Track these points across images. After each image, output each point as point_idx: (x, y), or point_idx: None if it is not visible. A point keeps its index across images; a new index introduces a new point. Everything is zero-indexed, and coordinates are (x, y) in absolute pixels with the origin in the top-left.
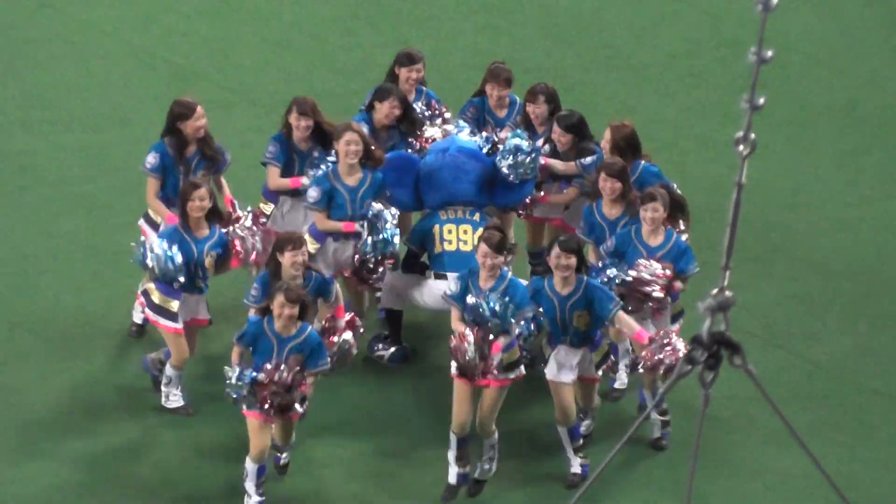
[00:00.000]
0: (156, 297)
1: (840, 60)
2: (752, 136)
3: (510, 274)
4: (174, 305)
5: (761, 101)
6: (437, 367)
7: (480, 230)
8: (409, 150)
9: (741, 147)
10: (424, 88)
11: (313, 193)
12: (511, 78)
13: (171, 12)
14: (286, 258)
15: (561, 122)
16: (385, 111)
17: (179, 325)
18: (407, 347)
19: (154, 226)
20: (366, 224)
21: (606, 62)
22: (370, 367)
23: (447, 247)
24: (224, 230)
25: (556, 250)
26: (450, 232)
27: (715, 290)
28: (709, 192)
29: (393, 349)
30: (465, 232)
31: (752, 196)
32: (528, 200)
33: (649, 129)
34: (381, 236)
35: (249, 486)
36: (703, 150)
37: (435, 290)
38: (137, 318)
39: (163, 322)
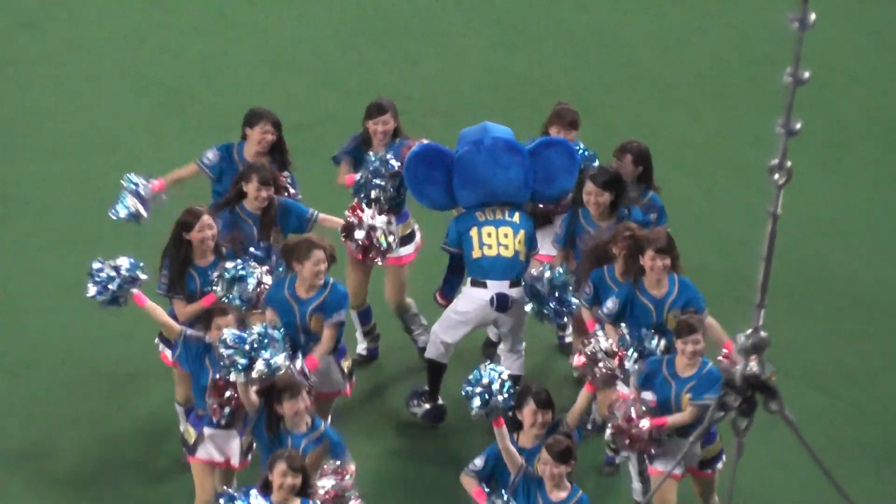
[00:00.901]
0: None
1: (881, 79)
2: (788, 163)
3: (580, 492)
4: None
5: (798, 126)
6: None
7: (521, 233)
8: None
9: (776, 176)
10: (401, 140)
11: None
12: (577, 121)
13: (163, 29)
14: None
15: (597, 178)
16: (256, 137)
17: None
18: (443, 406)
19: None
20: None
21: (629, 81)
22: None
23: (487, 252)
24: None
25: (650, 252)
26: (489, 236)
27: (749, 331)
28: (740, 221)
29: (428, 406)
30: (506, 236)
31: (786, 225)
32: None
33: (675, 153)
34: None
35: None
36: (733, 175)
37: (473, 297)
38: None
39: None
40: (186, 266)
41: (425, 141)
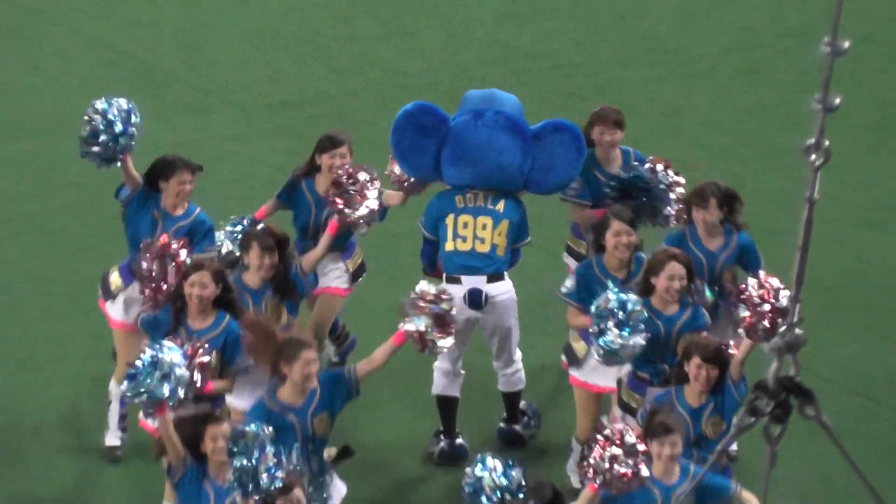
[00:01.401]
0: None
1: None
2: (826, 143)
3: None
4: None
5: (836, 101)
6: None
7: (503, 224)
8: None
9: (813, 157)
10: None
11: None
12: (622, 120)
13: None
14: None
15: (623, 215)
16: (173, 190)
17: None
18: (463, 446)
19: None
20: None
21: (649, 56)
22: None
23: (460, 245)
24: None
25: (696, 360)
26: (465, 226)
27: (783, 328)
28: (771, 209)
29: (443, 444)
30: (484, 227)
31: (823, 213)
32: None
33: (700, 134)
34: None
35: None
36: (764, 159)
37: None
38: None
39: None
40: (179, 324)
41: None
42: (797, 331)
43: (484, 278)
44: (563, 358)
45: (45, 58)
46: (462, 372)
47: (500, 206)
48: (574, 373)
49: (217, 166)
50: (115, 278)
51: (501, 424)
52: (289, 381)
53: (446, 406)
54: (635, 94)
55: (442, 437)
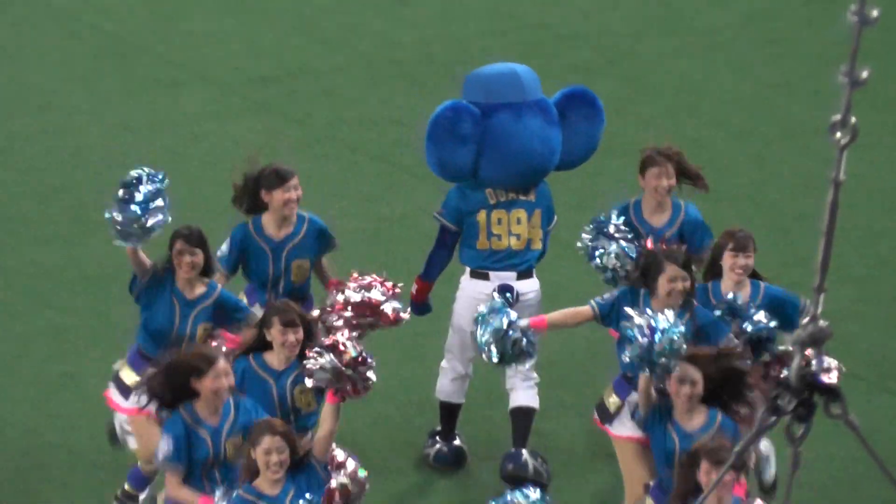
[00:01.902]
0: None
1: None
2: (853, 119)
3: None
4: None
5: (864, 74)
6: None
7: (536, 213)
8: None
9: (838, 134)
10: (307, 216)
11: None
12: (685, 164)
13: None
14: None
15: (677, 258)
16: (183, 271)
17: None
18: (461, 448)
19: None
20: None
21: (663, 26)
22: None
23: (495, 244)
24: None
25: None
26: (499, 222)
27: (806, 319)
28: (797, 192)
29: (439, 446)
30: (518, 221)
31: (852, 197)
32: None
33: (720, 112)
34: None
35: None
36: (788, 139)
37: (473, 292)
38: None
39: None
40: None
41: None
42: (821, 323)
43: (514, 274)
44: (595, 416)
45: (4, 30)
46: (471, 374)
47: (532, 195)
48: (613, 429)
49: (191, 147)
50: (127, 374)
51: (512, 452)
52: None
53: (450, 412)
54: (648, 69)
55: (438, 438)
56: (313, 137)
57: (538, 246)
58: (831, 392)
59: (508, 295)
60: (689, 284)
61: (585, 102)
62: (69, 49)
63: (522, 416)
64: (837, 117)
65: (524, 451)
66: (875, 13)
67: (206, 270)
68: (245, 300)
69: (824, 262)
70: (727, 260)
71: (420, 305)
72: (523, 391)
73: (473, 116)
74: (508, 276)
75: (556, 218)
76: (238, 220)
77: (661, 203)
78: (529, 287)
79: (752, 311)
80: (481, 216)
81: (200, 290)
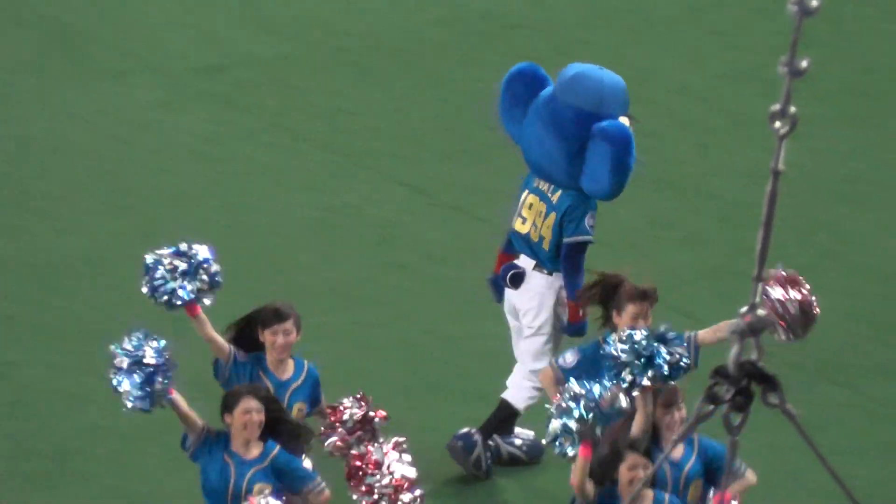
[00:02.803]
0: None
1: None
2: (793, 109)
3: None
4: None
5: (803, 64)
6: None
7: (552, 216)
8: None
9: (777, 124)
10: (307, 364)
11: None
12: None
13: None
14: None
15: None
16: (238, 423)
17: None
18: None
19: None
20: None
21: (613, 16)
22: None
23: (519, 227)
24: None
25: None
26: (530, 207)
27: (745, 308)
28: (742, 182)
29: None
30: (541, 214)
31: (795, 186)
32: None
33: (669, 101)
34: None
35: None
36: (735, 129)
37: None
38: None
39: None
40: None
41: None
42: (760, 312)
43: (534, 263)
44: None
45: None
46: None
47: (556, 197)
48: None
49: (138, 136)
50: None
51: (470, 432)
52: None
53: (510, 414)
54: (598, 58)
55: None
56: (260, 126)
57: (547, 248)
58: (769, 381)
59: (511, 275)
60: (649, 472)
61: (606, 137)
62: (17, 37)
63: (499, 408)
64: (777, 107)
65: (478, 438)
66: (815, 3)
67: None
68: None
69: (762, 252)
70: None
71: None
72: (514, 387)
73: (532, 85)
74: (529, 263)
75: (578, 236)
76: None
77: None
78: (537, 281)
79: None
80: (524, 195)
81: (256, 450)
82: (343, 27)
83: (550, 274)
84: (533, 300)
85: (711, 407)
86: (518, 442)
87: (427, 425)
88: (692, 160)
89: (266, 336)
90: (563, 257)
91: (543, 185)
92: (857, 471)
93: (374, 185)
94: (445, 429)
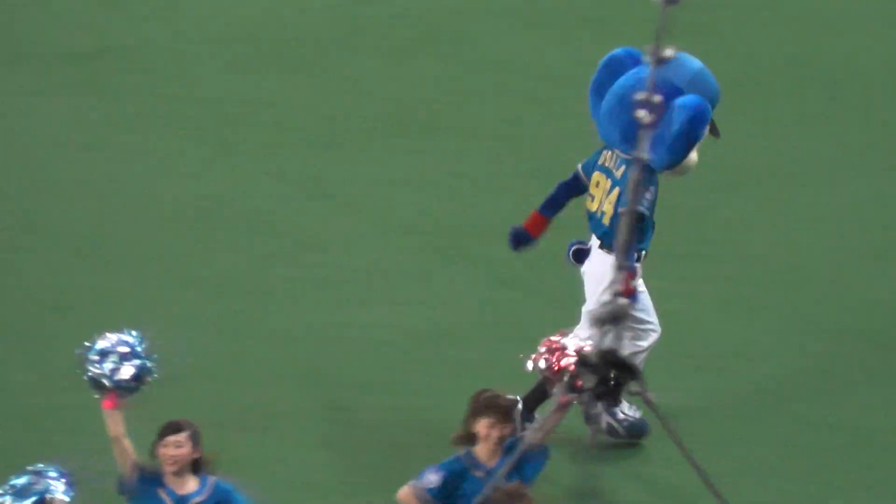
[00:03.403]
0: None
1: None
2: (658, 98)
3: None
4: None
5: (668, 52)
6: None
7: (615, 191)
8: None
9: (642, 112)
10: (214, 480)
11: None
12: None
13: None
14: None
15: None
16: (163, 458)
17: None
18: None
19: None
20: None
21: (483, 5)
22: None
23: (588, 205)
24: None
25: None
26: (597, 185)
27: (606, 296)
28: None
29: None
30: (606, 190)
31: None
32: None
33: (539, 90)
34: None
35: None
36: None
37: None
38: None
39: None
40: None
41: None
42: (622, 301)
43: (599, 242)
44: None
45: None
46: None
47: (620, 171)
48: None
49: (5, 124)
50: None
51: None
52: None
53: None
54: (469, 49)
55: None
56: (132, 114)
57: (607, 222)
58: (629, 370)
59: (574, 251)
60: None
61: (682, 106)
62: None
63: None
64: (643, 95)
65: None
66: None
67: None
68: None
69: (625, 240)
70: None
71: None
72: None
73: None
74: (595, 242)
75: (641, 210)
76: None
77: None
78: (601, 258)
79: None
80: (594, 175)
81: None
82: (216, 15)
83: (611, 251)
84: (591, 279)
85: (573, 395)
86: (620, 416)
87: (306, 413)
88: (561, 149)
89: (158, 447)
90: (614, 227)
91: (609, 162)
92: (728, 456)
93: (245, 174)
94: (324, 416)
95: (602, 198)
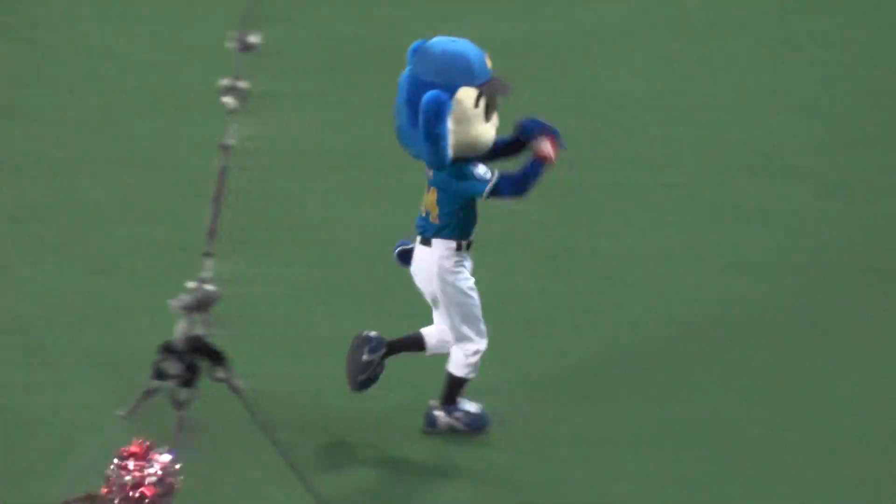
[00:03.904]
0: None
1: None
2: (243, 84)
3: None
4: None
5: (252, 39)
6: None
7: (433, 190)
8: None
9: (227, 98)
10: None
11: None
12: None
13: None
14: None
15: None
16: None
17: None
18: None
19: None
20: None
21: None
22: None
23: (419, 208)
24: None
25: None
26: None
27: (192, 283)
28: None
29: (469, 408)
30: (426, 191)
31: (257, 162)
32: None
33: (135, 79)
34: None
35: None
36: (207, 104)
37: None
38: None
39: None
40: None
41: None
42: (209, 287)
43: (420, 239)
44: None
45: None
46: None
47: (431, 171)
48: None
49: None
50: None
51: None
52: None
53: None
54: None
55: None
56: None
57: (435, 220)
58: (216, 356)
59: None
60: None
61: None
62: None
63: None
64: (226, 81)
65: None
66: None
67: None
68: None
69: (212, 227)
70: None
71: None
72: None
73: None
74: (417, 242)
75: (475, 194)
76: None
77: None
78: (424, 252)
79: None
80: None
81: None
82: None
83: (428, 244)
84: (436, 272)
85: (159, 383)
86: (458, 414)
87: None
88: (152, 135)
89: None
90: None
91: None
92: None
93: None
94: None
95: (425, 198)
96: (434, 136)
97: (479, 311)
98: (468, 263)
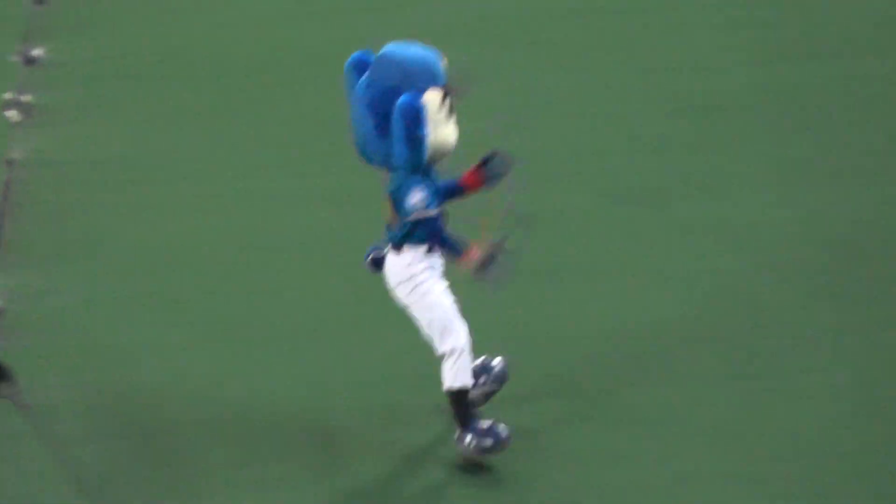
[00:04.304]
0: None
1: None
2: (27, 98)
3: None
4: None
5: (35, 52)
6: None
7: (388, 198)
8: None
9: (11, 112)
10: None
11: None
12: None
13: None
14: None
15: None
16: None
17: None
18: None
19: None
20: None
21: None
22: None
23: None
24: None
25: None
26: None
27: None
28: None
29: (482, 426)
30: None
31: (47, 174)
32: None
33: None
34: None
35: None
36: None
37: None
38: None
39: None
40: None
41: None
42: None
43: (390, 245)
44: None
45: None
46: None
47: (386, 180)
48: None
49: None
50: None
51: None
52: None
53: (463, 397)
54: None
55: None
56: None
57: (395, 228)
58: (0, 372)
59: (373, 258)
60: None
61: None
62: None
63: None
64: (9, 95)
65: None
66: None
67: None
68: None
69: None
70: None
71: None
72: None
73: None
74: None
75: (417, 207)
76: None
77: None
78: (391, 262)
79: None
80: None
81: None
82: None
83: (398, 251)
84: (402, 282)
85: None
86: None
87: None
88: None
89: None
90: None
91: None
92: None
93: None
94: None
95: (385, 206)
96: (416, 139)
97: (450, 313)
98: (439, 264)
